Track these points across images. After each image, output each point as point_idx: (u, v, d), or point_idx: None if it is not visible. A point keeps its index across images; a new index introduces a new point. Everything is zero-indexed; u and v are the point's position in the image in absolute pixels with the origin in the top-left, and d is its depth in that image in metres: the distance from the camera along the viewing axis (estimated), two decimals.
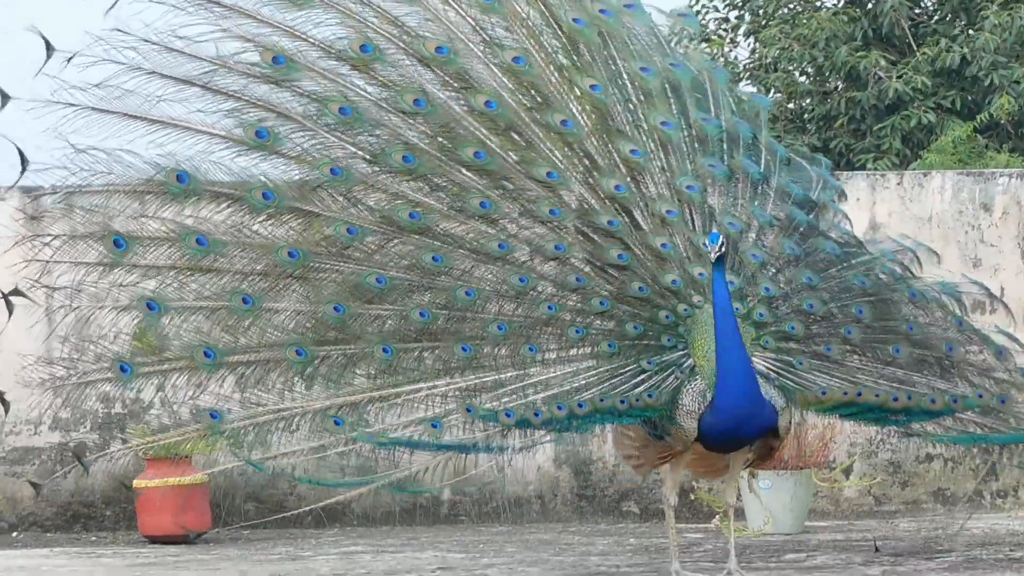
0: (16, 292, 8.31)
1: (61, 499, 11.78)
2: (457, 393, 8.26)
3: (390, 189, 8.35)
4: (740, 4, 16.85)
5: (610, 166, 8.36)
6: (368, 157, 8.34)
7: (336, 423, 8.29)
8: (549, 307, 8.25)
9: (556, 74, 8.42)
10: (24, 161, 8.12)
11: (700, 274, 8.19)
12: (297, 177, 8.34)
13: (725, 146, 8.56)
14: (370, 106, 8.35)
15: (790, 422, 8.12)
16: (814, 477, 11.11)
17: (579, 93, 8.40)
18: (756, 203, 8.50)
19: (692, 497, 11.38)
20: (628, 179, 8.34)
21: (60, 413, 11.63)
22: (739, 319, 8.05)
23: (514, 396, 8.22)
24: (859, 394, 8.11)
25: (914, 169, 13.87)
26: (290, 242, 8.27)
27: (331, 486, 9.79)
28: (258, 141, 8.27)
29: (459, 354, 8.27)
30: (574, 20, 8.46)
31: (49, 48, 8.03)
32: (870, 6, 16.03)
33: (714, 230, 8.10)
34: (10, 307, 8.42)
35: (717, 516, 11.05)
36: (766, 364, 8.13)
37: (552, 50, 8.45)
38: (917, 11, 16.15)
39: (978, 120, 14.91)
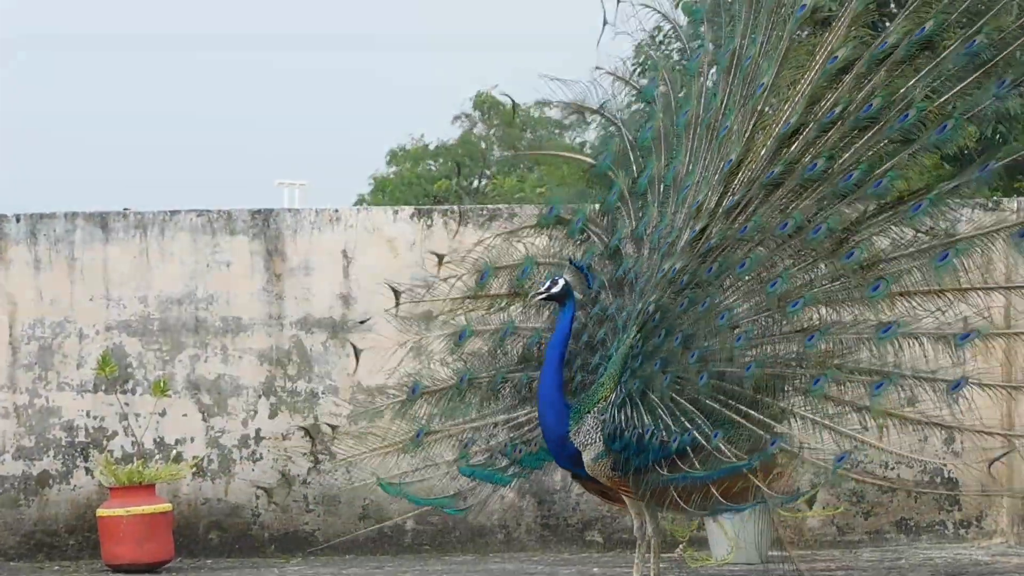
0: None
1: (24, 528, 11.73)
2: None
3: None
4: None
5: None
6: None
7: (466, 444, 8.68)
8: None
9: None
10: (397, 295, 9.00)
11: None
12: None
13: None
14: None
15: (598, 461, 8.12)
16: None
17: None
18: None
19: None
20: None
21: (23, 441, 11.61)
22: (642, 356, 8.14)
23: None
24: (620, 431, 8.07)
25: None
26: None
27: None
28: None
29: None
30: None
31: (604, 23, 8.52)
32: None
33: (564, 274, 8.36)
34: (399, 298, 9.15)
35: (680, 545, 11.06)
36: (617, 403, 8.14)
37: None
38: None
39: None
